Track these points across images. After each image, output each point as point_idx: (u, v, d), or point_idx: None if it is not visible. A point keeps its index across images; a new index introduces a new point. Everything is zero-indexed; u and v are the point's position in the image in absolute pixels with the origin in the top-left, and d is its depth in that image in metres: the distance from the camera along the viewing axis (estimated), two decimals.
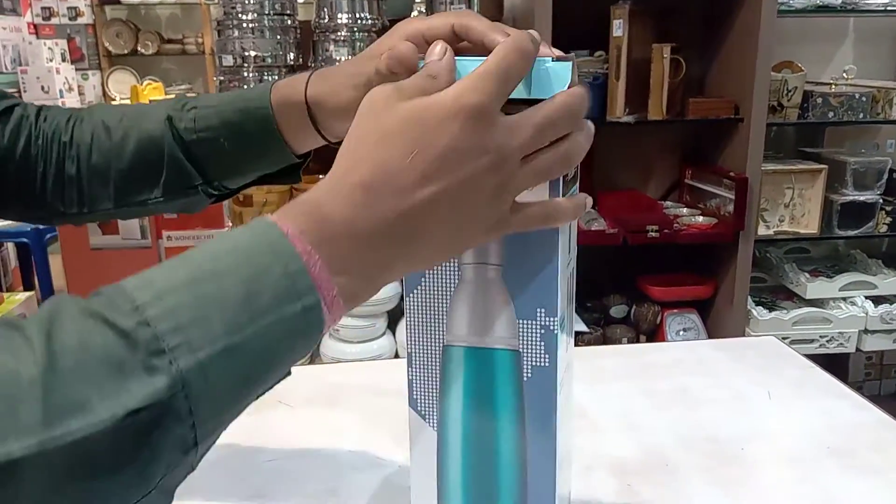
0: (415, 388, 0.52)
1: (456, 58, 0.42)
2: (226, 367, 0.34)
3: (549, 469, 0.50)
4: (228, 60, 2.01)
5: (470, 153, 0.39)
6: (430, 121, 0.39)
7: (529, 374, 0.48)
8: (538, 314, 0.47)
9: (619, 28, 1.95)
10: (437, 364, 0.51)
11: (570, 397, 0.55)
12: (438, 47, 0.42)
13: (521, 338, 0.48)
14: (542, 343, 0.47)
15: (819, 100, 2.23)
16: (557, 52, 0.45)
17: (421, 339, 0.51)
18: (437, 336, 0.51)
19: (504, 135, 0.40)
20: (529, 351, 0.48)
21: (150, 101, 0.74)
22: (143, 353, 0.32)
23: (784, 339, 2.30)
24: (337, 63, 2.01)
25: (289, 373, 0.39)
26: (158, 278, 0.34)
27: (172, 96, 3.24)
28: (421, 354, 0.52)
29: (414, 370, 0.52)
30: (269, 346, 0.35)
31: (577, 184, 0.51)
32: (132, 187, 0.66)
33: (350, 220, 0.38)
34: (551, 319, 0.47)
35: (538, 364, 0.48)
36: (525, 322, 0.48)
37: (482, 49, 0.45)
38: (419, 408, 0.53)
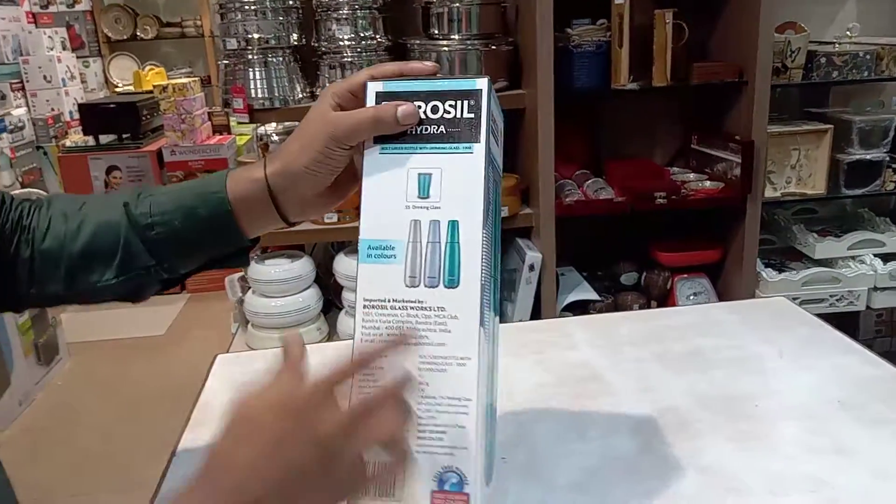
0: None
1: (395, 80, 0.59)
2: None
3: None
4: (232, 44, 2.01)
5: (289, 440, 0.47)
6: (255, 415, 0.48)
7: None
8: None
9: None
10: None
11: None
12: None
13: None
14: None
15: (823, 59, 2.22)
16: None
17: None
18: None
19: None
20: None
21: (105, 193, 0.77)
22: None
23: (794, 299, 2.31)
24: (340, 43, 2.02)
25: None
26: None
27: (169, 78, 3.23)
28: None
29: None
30: None
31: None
32: (84, 268, 0.66)
33: None
34: None
35: None
36: None
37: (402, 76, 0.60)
38: None
